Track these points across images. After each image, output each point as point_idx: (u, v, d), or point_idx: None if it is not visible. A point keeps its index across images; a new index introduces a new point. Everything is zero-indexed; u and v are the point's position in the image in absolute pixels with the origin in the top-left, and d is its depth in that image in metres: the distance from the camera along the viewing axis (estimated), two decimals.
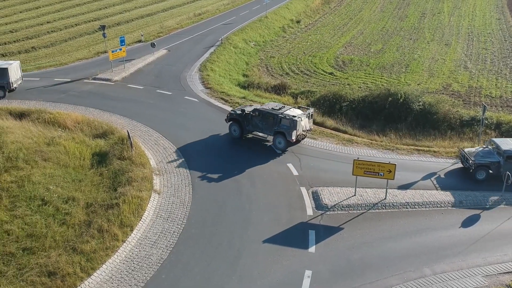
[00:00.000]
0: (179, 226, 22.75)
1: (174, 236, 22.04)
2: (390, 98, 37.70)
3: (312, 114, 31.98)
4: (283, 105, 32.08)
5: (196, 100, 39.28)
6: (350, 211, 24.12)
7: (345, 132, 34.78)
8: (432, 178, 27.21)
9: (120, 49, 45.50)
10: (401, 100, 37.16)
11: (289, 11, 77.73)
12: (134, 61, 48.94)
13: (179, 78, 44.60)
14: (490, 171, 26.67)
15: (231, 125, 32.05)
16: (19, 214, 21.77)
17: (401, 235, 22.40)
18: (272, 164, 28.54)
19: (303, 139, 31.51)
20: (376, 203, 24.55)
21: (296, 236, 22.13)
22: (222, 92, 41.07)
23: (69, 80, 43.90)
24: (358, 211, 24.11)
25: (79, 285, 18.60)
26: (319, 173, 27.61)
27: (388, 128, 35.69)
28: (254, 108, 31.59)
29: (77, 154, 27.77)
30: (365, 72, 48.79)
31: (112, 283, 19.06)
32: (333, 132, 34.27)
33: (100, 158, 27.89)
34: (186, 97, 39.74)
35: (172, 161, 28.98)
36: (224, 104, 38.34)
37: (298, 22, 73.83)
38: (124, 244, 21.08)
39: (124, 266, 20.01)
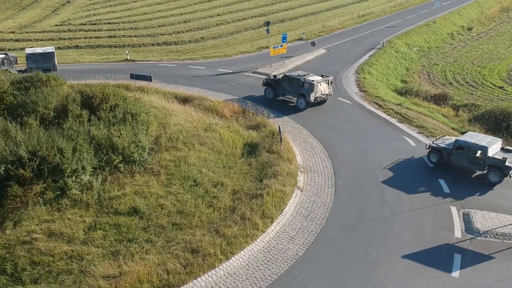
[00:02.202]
0: (317, 226, 22.73)
1: (312, 234, 22.07)
2: None
3: (331, 81, 38.25)
4: (308, 73, 38.45)
5: (349, 102, 38.82)
6: (505, 241, 21.90)
7: None
8: None
9: (281, 46, 46.75)
10: None
11: (460, 17, 72.97)
12: (293, 58, 49.94)
13: (335, 78, 44.45)
14: (443, 159, 27.70)
15: (266, 89, 39.12)
16: (173, 191, 23.57)
17: None
18: (422, 178, 27.05)
19: (323, 101, 37.63)
20: None
21: (439, 257, 20.73)
22: (377, 96, 40.00)
23: (230, 71, 46.29)
24: None
25: (218, 266, 19.55)
26: (474, 194, 25.48)
27: None
28: (284, 75, 38.28)
29: (230, 142, 29.22)
30: None
31: (248, 270, 19.72)
32: None
33: (251, 149, 29.00)
34: (339, 98, 39.47)
35: (318, 161, 29.02)
36: (377, 109, 37.31)
37: (469, 29, 69.06)
38: (263, 234, 21.66)
39: (261, 255, 20.58)
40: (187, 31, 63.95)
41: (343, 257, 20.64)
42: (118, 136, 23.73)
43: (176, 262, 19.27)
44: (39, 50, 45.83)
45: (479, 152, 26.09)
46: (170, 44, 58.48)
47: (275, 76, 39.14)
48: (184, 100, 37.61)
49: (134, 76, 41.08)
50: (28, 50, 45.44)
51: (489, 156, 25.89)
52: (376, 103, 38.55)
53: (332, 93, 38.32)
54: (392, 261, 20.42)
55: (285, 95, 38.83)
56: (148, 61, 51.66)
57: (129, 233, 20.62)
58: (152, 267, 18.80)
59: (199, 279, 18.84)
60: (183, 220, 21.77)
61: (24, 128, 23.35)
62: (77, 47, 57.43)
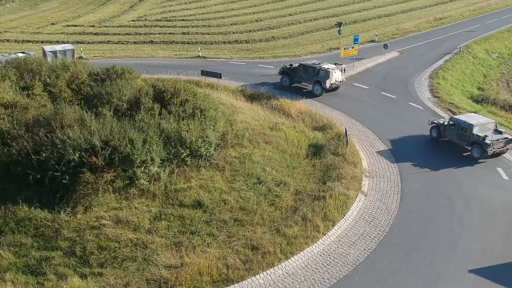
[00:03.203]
0: (380, 233, 22.19)
1: (374, 241, 21.58)
2: None
3: (344, 69, 41.50)
4: (322, 61, 41.24)
5: (420, 107, 37.59)
6: None
7: None
8: None
9: (352, 47, 46.06)
10: None
11: None
12: (364, 60, 49.03)
13: (407, 82, 43.19)
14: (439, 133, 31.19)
15: (282, 77, 41.70)
16: (237, 187, 23.81)
17: None
18: (497, 192, 25.73)
19: (336, 88, 40.08)
20: None
21: (510, 274, 19.64)
22: (451, 103, 38.46)
23: None
24: None
25: (277, 265, 19.56)
26: None
27: None
28: (300, 63, 40.84)
29: (295, 142, 29.14)
30: None
31: (307, 271, 19.58)
32: None
33: (315, 150, 28.77)
34: (410, 103, 38.33)
35: (384, 166, 28.34)
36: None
37: None
38: (324, 237, 21.43)
39: (320, 258, 20.37)
40: (258, 30, 64.39)
41: (406, 267, 20.04)
42: (187, 131, 24.27)
43: (236, 257, 19.46)
44: (58, 47, 45.30)
45: (466, 129, 29.06)
46: (241, 42, 59.13)
47: (291, 65, 41.75)
48: (252, 98, 37.92)
49: (205, 73, 41.85)
50: (47, 48, 44.72)
51: (473, 133, 28.77)
52: (449, 110, 37.09)
53: (345, 80, 40.83)
54: (458, 275, 19.59)
55: (300, 83, 41.43)
56: (219, 58, 52.47)
57: (192, 225, 21.06)
58: (212, 260, 19.09)
59: (257, 276, 18.93)
60: (245, 216, 21.94)
61: (99, 118, 24.36)
62: (151, 42, 59.28)
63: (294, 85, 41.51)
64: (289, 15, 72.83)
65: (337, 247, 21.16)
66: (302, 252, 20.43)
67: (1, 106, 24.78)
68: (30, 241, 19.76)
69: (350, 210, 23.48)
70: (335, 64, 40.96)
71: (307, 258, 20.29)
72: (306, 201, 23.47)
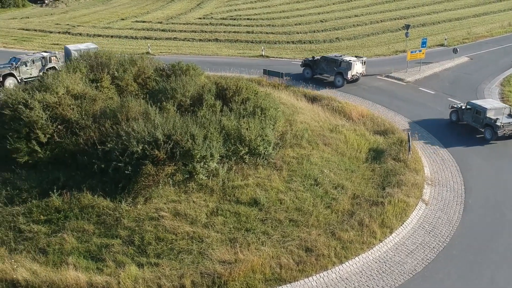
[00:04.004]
0: (440, 243, 21.43)
1: (433, 251, 20.86)
2: None
3: (365, 61, 42.35)
4: (343, 54, 44.24)
5: None
6: None
7: None
8: None
9: (420, 51, 44.77)
10: None
11: None
12: (431, 64, 47.51)
13: (476, 89, 41.44)
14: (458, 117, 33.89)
15: (304, 69, 43.82)
16: (293, 188, 23.72)
17: None
18: None
19: (357, 79, 41.85)
20: None
21: None
22: None
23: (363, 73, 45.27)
24: None
25: (330, 268, 19.32)
26: None
27: None
28: (322, 56, 43.52)
29: (355, 146, 28.67)
30: None
31: (361, 277, 19.22)
32: None
33: (376, 154, 28.19)
34: None
35: (448, 175, 27.34)
36: None
37: None
38: (381, 244, 20.95)
39: (376, 265, 19.94)
40: (322, 30, 63.87)
41: (466, 280, 19.26)
42: (247, 129, 24.43)
43: (290, 257, 19.39)
44: (82, 46, 44.61)
45: (481, 112, 31.63)
46: (304, 42, 58.85)
47: (313, 57, 44.15)
48: (313, 99, 37.67)
49: (267, 72, 42.01)
50: (72, 47, 44.22)
51: (486, 116, 31.30)
52: None
53: (364, 72, 42.37)
54: None
55: (322, 74, 43.44)
56: (282, 58, 52.46)
57: (248, 222, 21.18)
58: (266, 259, 19.11)
59: (310, 278, 18.79)
60: (301, 217, 21.83)
61: (162, 112, 24.96)
62: (216, 40, 60.15)
63: (315, 76, 43.73)
64: (355, 16, 71.72)
65: (394, 255, 20.63)
66: (357, 258, 20.07)
67: (71, 97, 25.89)
68: (92, 228, 20.56)
69: (409, 218, 22.83)
70: (356, 56, 43.10)
71: (362, 264, 19.91)
72: (364, 206, 23.04)
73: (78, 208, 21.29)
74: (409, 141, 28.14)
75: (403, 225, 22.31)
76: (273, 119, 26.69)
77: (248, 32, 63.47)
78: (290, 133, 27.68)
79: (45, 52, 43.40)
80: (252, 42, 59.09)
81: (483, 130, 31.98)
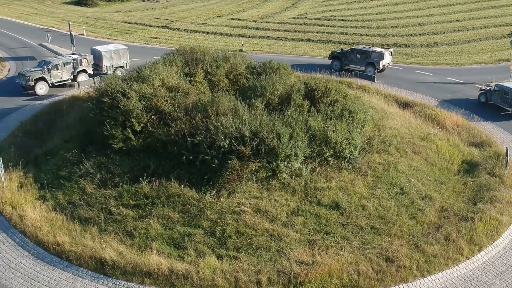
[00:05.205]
0: None
1: None
2: None
3: (391, 52, 45.24)
4: (370, 45, 47.43)
5: None
6: None
7: None
8: None
9: None
10: None
11: None
12: None
13: None
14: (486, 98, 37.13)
15: (333, 61, 45.50)
16: (377, 194, 23.12)
17: None
18: None
19: (384, 70, 43.95)
20: None
21: None
22: None
23: (461, 81, 43.19)
24: None
25: (411, 281, 18.64)
26: None
27: None
28: (351, 48, 45.43)
29: (447, 156, 27.40)
30: None
31: None
32: None
33: (469, 167, 26.79)
34: None
35: None
36: None
37: None
38: (467, 261, 19.88)
39: (460, 283, 18.94)
40: (420, 34, 61.59)
41: None
42: (333, 131, 24.16)
43: (369, 266, 18.94)
44: (111, 47, 44.47)
45: (508, 92, 35.00)
46: (400, 46, 57.04)
47: (342, 49, 46.20)
48: (404, 105, 36.43)
49: (358, 75, 41.34)
50: (100, 47, 43.94)
51: None
52: None
53: (391, 62, 45.40)
54: None
55: (349, 66, 44.60)
56: None
57: (328, 225, 20.97)
58: (344, 264, 18.83)
59: None
60: (383, 225, 21.25)
61: (251, 109, 25.32)
62: (309, 40, 59.98)
63: (344, 67, 44.72)
64: (456, 21, 68.40)
65: (481, 274, 19.48)
66: (440, 273, 19.19)
67: (166, 89, 27.01)
68: (177, 216, 21.33)
69: (501, 237, 21.44)
70: (384, 48, 46.29)
71: (445, 280, 19.00)
72: (452, 220, 21.98)
73: (165, 196, 22.19)
74: (507, 155, 26.40)
75: (493, 243, 21.01)
76: (361, 123, 26.18)
77: (341, 33, 62.67)
78: (378, 138, 26.99)
79: (74, 54, 42.79)
80: (345, 43, 58.20)
81: (510, 110, 35.04)
